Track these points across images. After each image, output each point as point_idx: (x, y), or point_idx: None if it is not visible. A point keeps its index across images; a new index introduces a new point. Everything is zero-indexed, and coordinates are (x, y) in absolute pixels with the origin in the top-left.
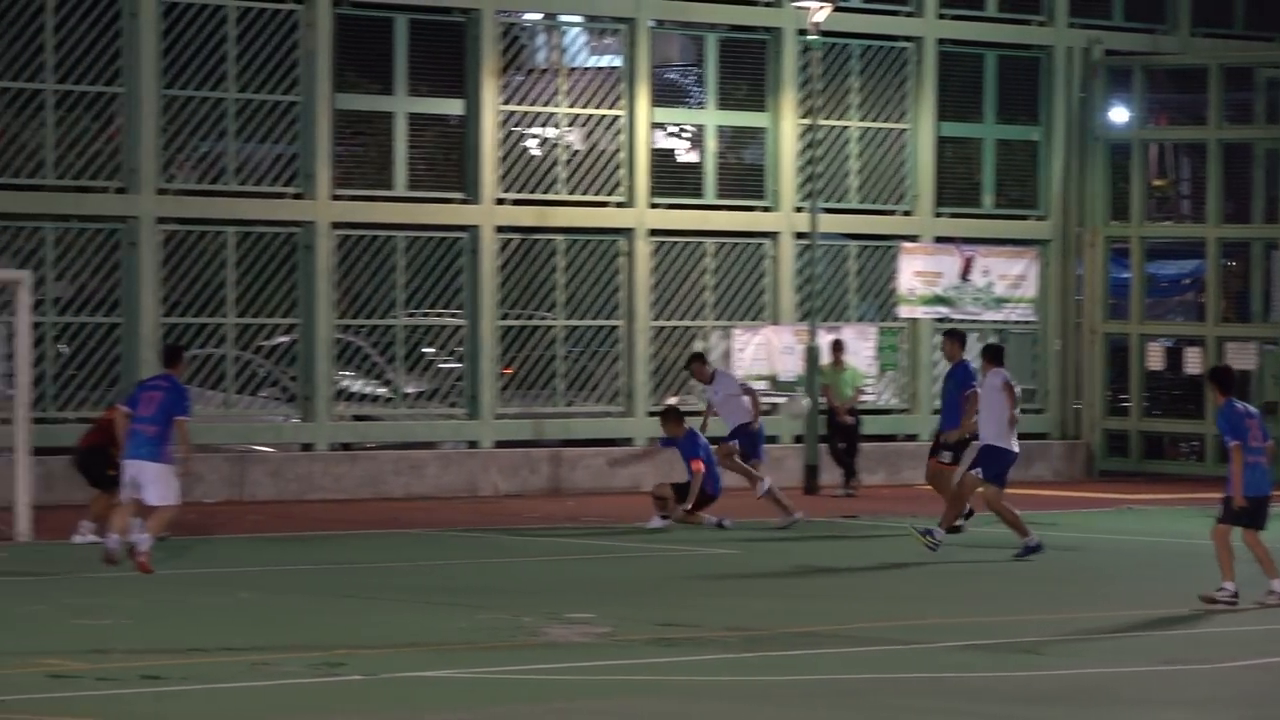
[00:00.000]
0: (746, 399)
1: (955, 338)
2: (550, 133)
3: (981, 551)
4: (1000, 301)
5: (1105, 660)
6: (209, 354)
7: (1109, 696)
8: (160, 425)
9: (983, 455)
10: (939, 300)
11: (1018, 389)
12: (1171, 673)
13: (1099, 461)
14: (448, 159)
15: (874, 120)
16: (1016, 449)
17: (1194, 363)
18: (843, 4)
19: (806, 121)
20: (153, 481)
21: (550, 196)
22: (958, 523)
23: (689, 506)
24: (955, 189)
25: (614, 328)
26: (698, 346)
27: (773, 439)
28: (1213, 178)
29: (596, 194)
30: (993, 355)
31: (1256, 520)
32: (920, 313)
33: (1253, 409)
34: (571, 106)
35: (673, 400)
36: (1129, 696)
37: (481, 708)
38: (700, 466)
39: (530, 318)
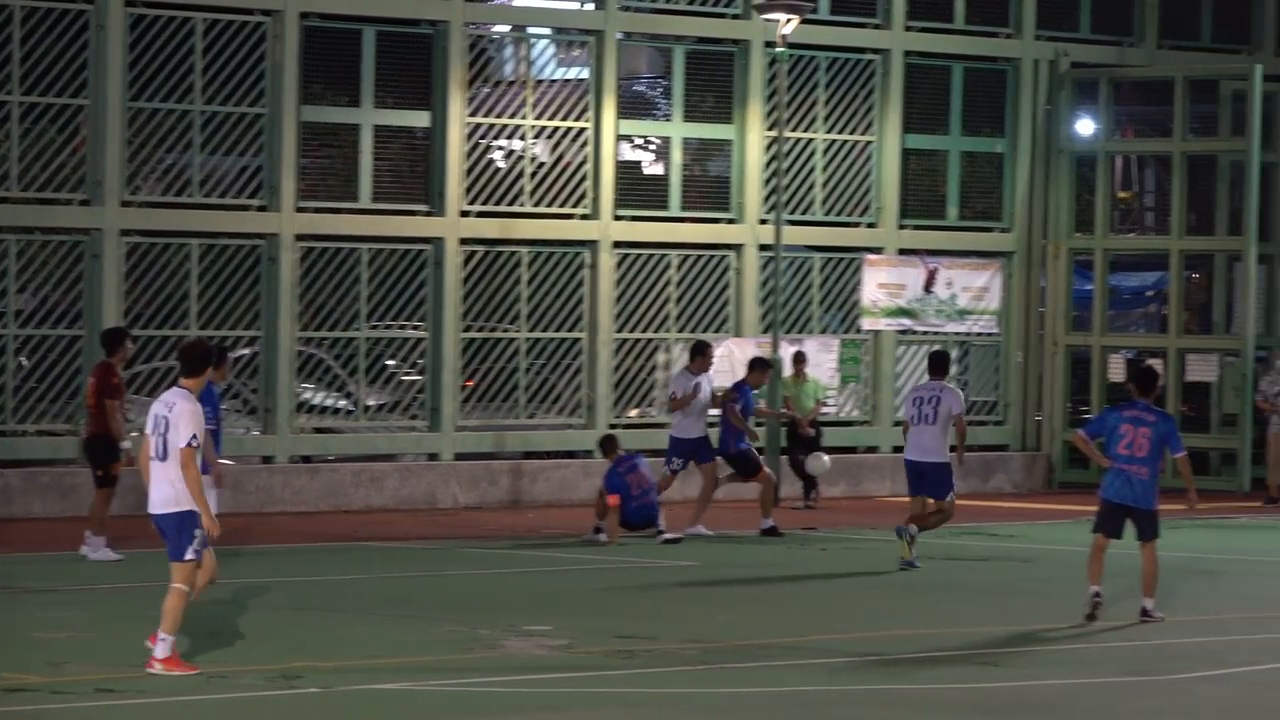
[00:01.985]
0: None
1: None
2: (516, 145)
3: (939, 564)
4: (963, 313)
5: (1060, 672)
6: (170, 366)
7: (1062, 708)
8: None
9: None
10: (902, 312)
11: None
12: (1126, 684)
13: (1059, 473)
14: (413, 171)
15: (840, 132)
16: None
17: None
18: (810, 16)
19: (773, 134)
20: None
21: (515, 209)
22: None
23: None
24: (920, 201)
25: (577, 340)
26: (660, 359)
27: None
28: (1177, 190)
29: (561, 206)
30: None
31: (1106, 526)
32: (883, 325)
33: (1149, 417)
34: (538, 119)
35: (634, 412)
36: (1083, 708)
37: None
38: (615, 501)
39: (493, 330)
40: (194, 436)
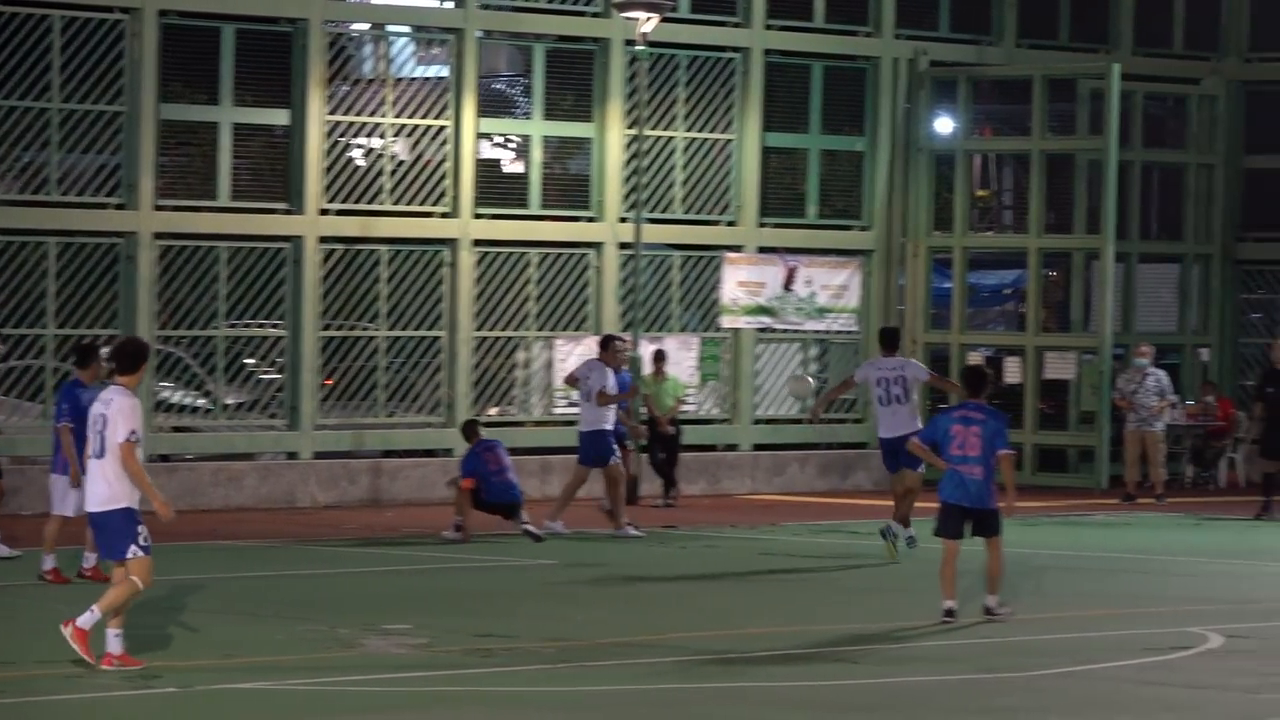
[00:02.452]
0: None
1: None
2: (376, 143)
3: (798, 562)
4: (823, 312)
5: (919, 669)
6: (28, 365)
7: (921, 705)
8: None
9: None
10: (762, 310)
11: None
12: (984, 681)
13: None
14: (272, 169)
15: (700, 131)
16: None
17: (1014, 372)
18: (670, 15)
19: (632, 132)
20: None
21: (374, 207)
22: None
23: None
24: (780, 199)
25: (436, 338)
26: (520, 358)
27: None
28: (1035, 188)
29: (421, 204)
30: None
31: (947, 528)
32: (743, 323)
33: (979, 416)
34: (397, 117)
35: (494, 410)
36: (941, 705)
37: None
38: (468, 484)
39: (352, 328)
40: (133, 432)
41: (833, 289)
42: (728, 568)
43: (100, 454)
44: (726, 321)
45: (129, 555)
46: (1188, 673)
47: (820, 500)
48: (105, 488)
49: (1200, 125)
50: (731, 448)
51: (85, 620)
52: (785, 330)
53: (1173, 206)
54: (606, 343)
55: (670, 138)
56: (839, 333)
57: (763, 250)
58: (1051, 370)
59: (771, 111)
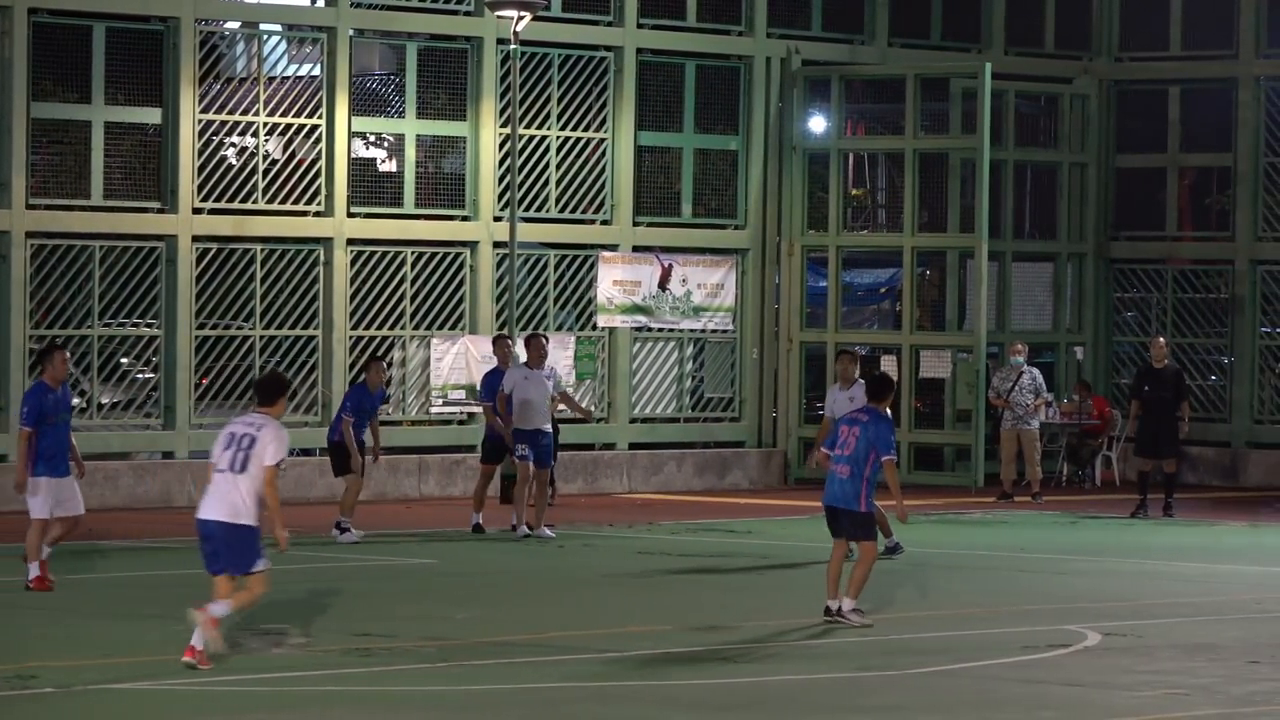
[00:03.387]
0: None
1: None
2: (249, 142)
3: (677, 560)
4: (698, 310)
5: (798, 667)
6: None
7: (801, 703)
8: None
9: None
10: (637, 309)
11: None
12: (863, 679)
13: (795, 469)
14: (145, 168)
15: (574, 129)
16: None
17: (889, 371)
18: (543, 14)
19: (506, 130)
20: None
21: (248, 206)
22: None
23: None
24: (654, 198)
25: (312, 338)
26: (395, 356)
27: (470, 448)
28: (909, 187)
29: (295, 203)
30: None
31: (830, 527)
32: (619, 322)
33: (864, 418)
34: (271, 115)
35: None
36: (821, 703)
37: None
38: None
39: (227, 328)
40: (282, 461)
41: (708, 288)
42: (606, 567)
43: (241, 469)
44: (602, 320)
45: (257, 568)
46: (1065, 671)
47: (697, 499)
48: (240, 502)
49: (1072, 124)
50: (609, 446)
51: (219, 609)
52: (661, 329)
53: (1046, 205)
54: (530, 341)
55: (544, 136)
56: (715, 331)
57: (638, 249)
58: (927, 369)
59: (645, 110)
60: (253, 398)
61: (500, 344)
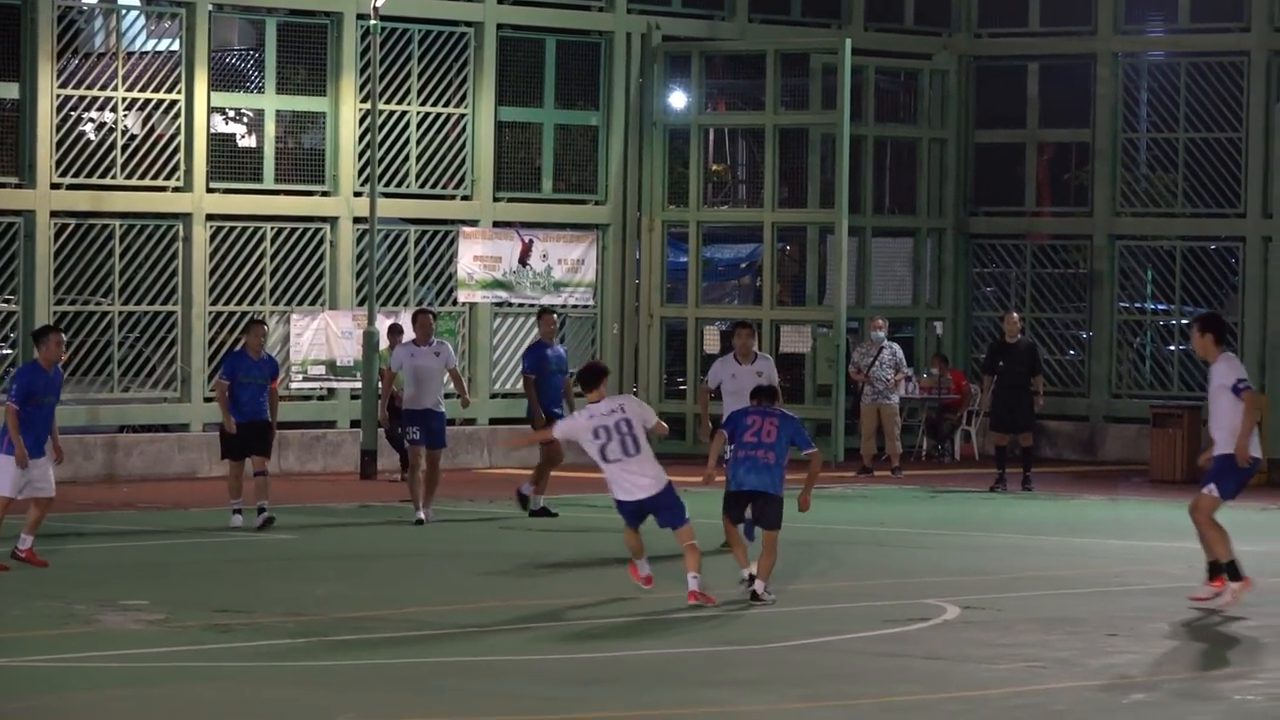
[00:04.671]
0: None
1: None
2: (108, 117)
3: (537, 536)
4: (559, 286)
5: (661, 642)
6: None
7: (663, 677)
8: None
9: None
10: (498, 284)
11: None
12: (724, 653)
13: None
14: (3, 143)
15: (434, 105)
16: None
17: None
18: None
19: (366, 106)
20: None
21: (107, 181)
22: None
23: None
24: (515, 174)
25: (171, 313)
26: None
27: (330, 424)
28: (769, 163)
29: (154, 179)
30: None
31: (730, 510)
32: (479, 297)
33: (774, 411)
34: (129, 91)
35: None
36: (683, 677)
37: (34, 696)
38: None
39: (86, 303)
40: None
41: (569, 263)
42: (466, 542)
43: (636, 452)
44: (463, 296)
45: (688, 518)
46: (925, 644)
47: (558, 474)
48: (654, 473)
49: (932, 100)
50: (469, 422)
51: (694, 583)
52: (522, 304)
53: (906, 181)
54: (418, 317)
55: (404, 112)
56: (575, 307)
57: (498, 224)
58: (787, 344)
59: (505, 86)
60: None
61: (545, 319)
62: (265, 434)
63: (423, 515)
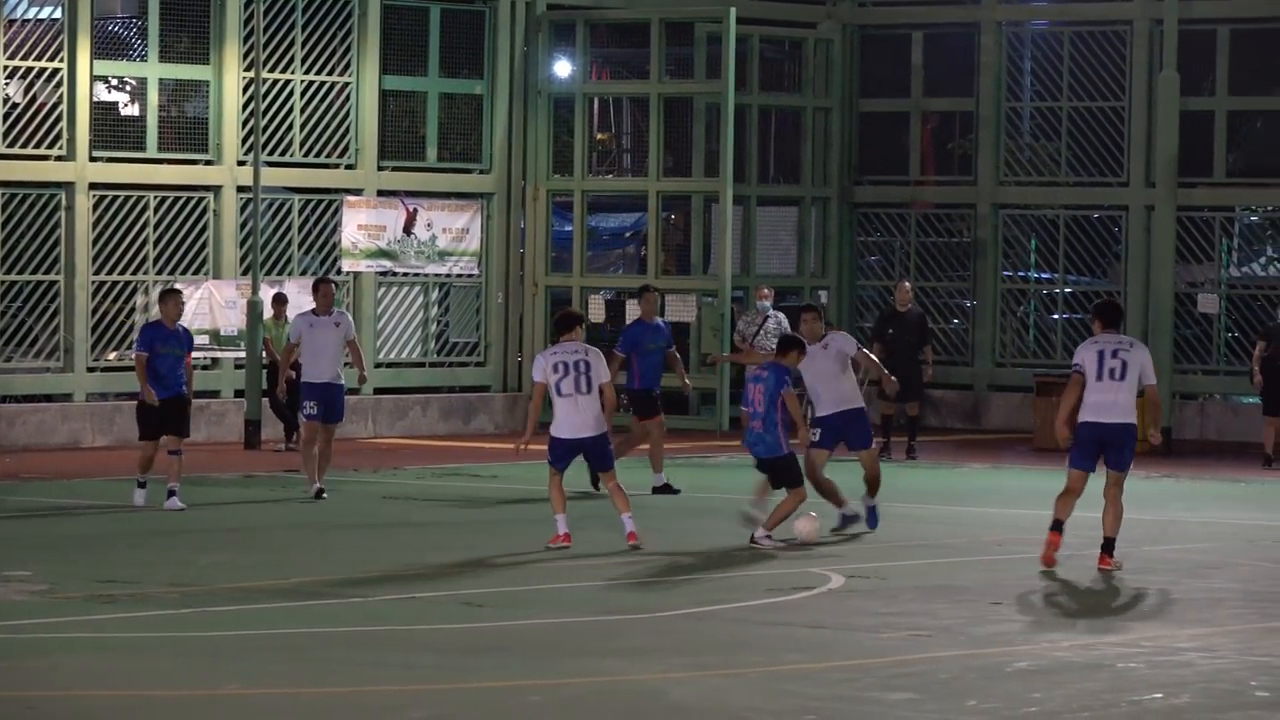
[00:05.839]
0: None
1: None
2: None
3: (420, 506)
4: (444, 255)
5: (544, 612)
6: None
7: (548, 647)
8: None
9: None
10: (382, 254)
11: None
12: (612, 623)
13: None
14: None
15: (318, 74)
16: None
17: (635, 315)
18: None
19: (250, 74)
20: None
21: None
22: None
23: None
24: (399, 142)
25: (54, 283)
26: (139, 301)
27: (214, 393)
28: (654, 132)
29: (36, 148)
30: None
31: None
32: (363, 266)
33: (762, 374)
34: (10, 59)
35: (112, 355)
36: (569, 647)
37: None
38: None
39: None
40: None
41: (453, 232)
42: (351, 512)
43: (587, 391)
44: (347, 265)
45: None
46: (810, 613)
47: (443, 444)
48: (596, 419)
49: (816, 69)
50: (353, 391)
51: (630, 524)
52: (406, 274)
53: (791, 150)
54: (318, 286)
55: (288, 81)
56: (460, 276)
57: (383, 193)
58: (672, 313)
59: (390, 54)
60: None
61: (646, 298)
62: (183, 410)
63: (321, 487)
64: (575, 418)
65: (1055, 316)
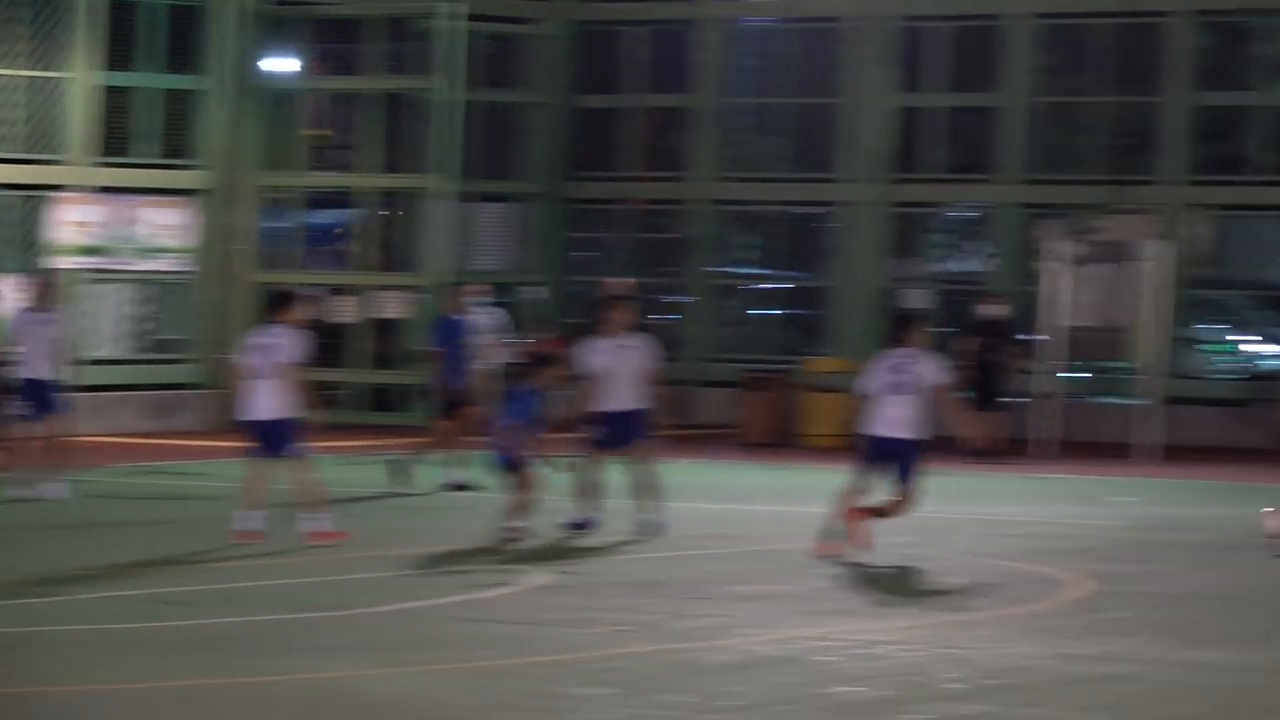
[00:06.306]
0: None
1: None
2: None
3: (121, 503)
4: (156, 252)
5: (248, 609)
6: None
7: (248, 645)
8: None
9: None
10: (92, 250)
11: None
12: (312, 620)
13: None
14: None
15: (32, 68)
16: None
17: (346, 312)
18: None
19: None
20: None
21: None
22: None
23: None
24: (113, 138)
25: None
26: None
27: None
28: (370, 128)
29: None
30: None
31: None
32: (73, 262)
33: None
34: None
35: None
36: (270, 645)
37: None
38: None
39: None
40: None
41: (166, 229)
42: (50, 511)
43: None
44: (57, 261)
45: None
46: (513, 609)
47: (143, 441)
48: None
49: (536, 65)
50: (66, 388)
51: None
52: (117, 270)
53: (507, 146)
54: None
55: (3, 75)
56: (171, 273)
57: (95, 190)
58: (384, 310)
59: (105, 49)
60: None
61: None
62: None
63: (52, 487)
64: (250, 399)
65: (763, 313)
